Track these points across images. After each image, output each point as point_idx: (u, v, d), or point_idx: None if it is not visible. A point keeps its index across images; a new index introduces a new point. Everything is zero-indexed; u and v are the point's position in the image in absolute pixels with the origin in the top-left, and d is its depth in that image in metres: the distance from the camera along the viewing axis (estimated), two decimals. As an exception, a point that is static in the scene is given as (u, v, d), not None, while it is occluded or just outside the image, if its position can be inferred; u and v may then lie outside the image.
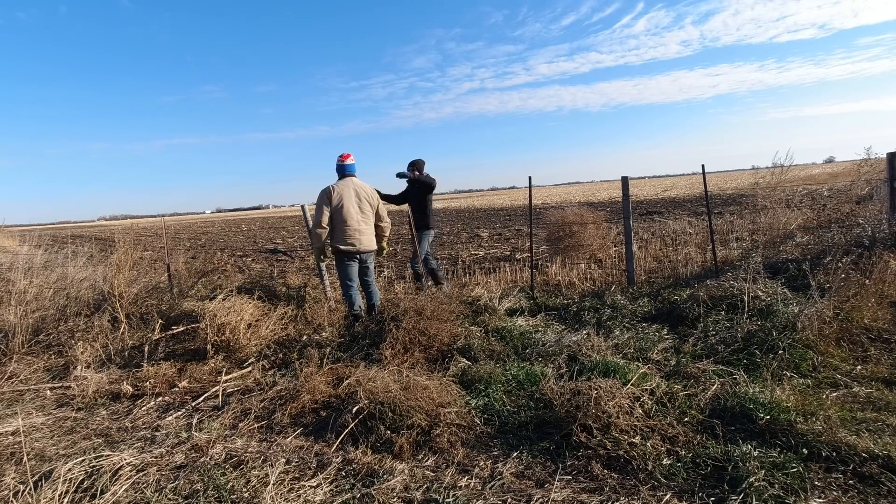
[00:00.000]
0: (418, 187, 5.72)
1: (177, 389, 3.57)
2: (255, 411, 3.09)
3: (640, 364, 3.21)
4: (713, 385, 2.86)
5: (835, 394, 2.79)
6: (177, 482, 2.26)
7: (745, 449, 2.20)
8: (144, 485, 2.24)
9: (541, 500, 2.04)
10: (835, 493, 1.96)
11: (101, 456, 2.39)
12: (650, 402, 2.63)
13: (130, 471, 2.33)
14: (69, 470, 2.26)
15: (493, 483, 2.19)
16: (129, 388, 3.58)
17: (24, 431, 2.84)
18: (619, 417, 2.45)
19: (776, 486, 1.98)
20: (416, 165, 5.77)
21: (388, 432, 2.60)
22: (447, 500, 2.07)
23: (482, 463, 2.37)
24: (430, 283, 5.72)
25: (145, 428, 3.00)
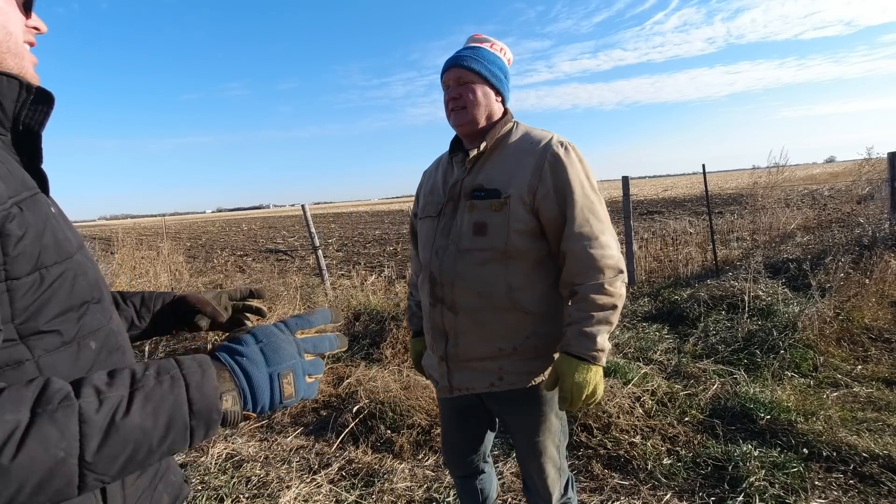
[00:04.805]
0: None
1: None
2: (255, 411, 3.09)
3: (640, 364, 3.20)
4: (714, 385, 2.86)
5: (835, 394, 2.79)
6: (177, 482, 2.26)
7: (745, 449, 2.21)
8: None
9: (541, 499, 2.05)
10: (835, 493, 1.96)
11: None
12: (651, 402, 2.63)
13: (131, 470, 2.33)
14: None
15: (493, 483, 2.19)
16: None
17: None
18: (619, 417, 2.45)
19: (777, 485, 1.98)
20: None
21: (389, 432, 2.60)
22: (447, 500, 2.07)
23: (482, 462, 2.37)
24: None
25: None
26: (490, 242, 1.21)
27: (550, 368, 1.24)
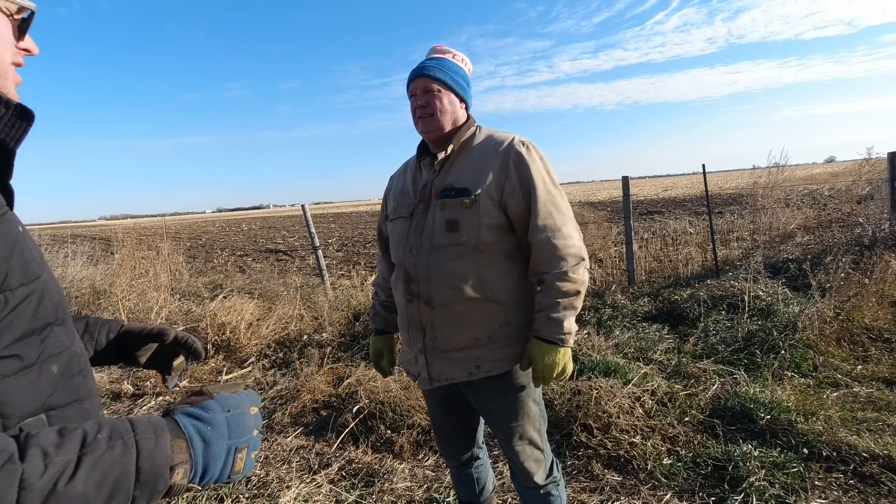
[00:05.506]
0: None
1: (178, 389, 3.58)
2: (255, 411, 3.09)
3: (640, 364, 3.20)
4: (714, 385, 2.86)
5: (835, 394, 2.79)
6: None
7: (745, 449, 2.21)
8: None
9: (541, 499, 2.04)
10: (835, 493, 1.96)
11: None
12: (651, 402, 2.63)
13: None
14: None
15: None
16: (130, 387, 3.58)
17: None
18: (619, 417, 2.45)
19: (777, 485, 1.98)
20: None
21: (389, 432, 2.60)
22: (447, 500, 2.07)
23: (482, 462, 2.37)
24: None
25: (146, 427, 3.00)
26: (462, 238, 1.27)
27: (525, 352, 1.30)
